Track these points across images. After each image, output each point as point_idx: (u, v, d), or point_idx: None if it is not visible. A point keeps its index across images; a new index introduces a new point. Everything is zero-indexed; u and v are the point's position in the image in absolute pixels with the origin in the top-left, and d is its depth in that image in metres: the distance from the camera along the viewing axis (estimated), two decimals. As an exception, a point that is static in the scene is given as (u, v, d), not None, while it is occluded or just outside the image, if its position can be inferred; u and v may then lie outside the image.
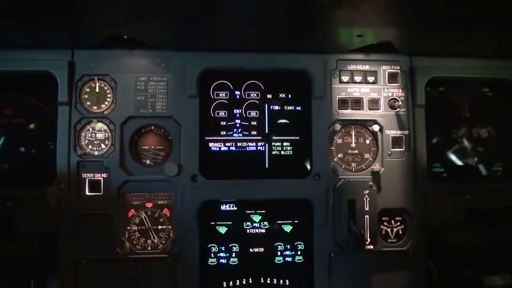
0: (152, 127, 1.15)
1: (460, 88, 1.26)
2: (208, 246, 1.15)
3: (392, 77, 1.19)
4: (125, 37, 1.08)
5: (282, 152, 1.18)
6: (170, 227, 1.13)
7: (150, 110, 1.13)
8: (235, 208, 1.16)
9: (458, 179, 1.24)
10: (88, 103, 1.13)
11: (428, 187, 1.19)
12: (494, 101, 1.27)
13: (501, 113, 1.27)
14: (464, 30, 1.03)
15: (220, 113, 1.18)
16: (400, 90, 1.20)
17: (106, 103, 1.13)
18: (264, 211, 1.17)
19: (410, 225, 1.19)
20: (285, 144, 1.18)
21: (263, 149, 1.18)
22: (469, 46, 1.16)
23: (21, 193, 1.09)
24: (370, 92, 1.19)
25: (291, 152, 1.18)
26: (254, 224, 1.16)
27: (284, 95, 1.20)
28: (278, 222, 1.17)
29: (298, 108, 1.19)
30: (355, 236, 1.09)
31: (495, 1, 0.86)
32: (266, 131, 1.18)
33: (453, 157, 1.26)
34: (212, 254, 1.15)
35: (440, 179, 1.23)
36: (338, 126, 1.16)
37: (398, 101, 1.18)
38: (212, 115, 1.17)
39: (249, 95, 1.19)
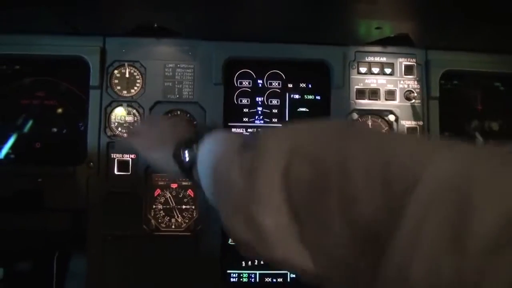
0: (178, 112, 1.21)
1: (472, 82, 1.31)
2: (229, 226, 1.20)
3: (408, 70, 1.24)
4: (155, 25, 1.14)
5: (301, 139, 1.23)
6: (193, 207, 1.19)
7: (177, 96, 1.19)
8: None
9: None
10: (119, 87, 1.19)
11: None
12: (505, 95, 1.32)
13: (512, 107, 1.31)
14: (480, 24, 1.08)
15: (243, 101, 1.23)
16: (416, 82, 1.24)
17: (135, 88, 1.19)
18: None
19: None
20: (304, 131, 1.23)
21: (283, 136, 1.23)
22: (483, 41, 1.20)
23: (52, 171, 1.15)
24: (386, 83, 1.24)
25: (310, 139, 1.24)
26: (273, 206, 1.21)
27: (304, 85, 1.25)
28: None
29: (318, 97, 1.25)
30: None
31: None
32: (287, 119, 1.24)
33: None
34: (232, 234, 1.20)
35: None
36: (355, 115, 1.22)
37: (413, 92, 1.23)
38: (235, 102, 1.23)
39: (271, 84, 1.24)
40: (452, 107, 1.29)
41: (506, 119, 1.31)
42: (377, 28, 1.10)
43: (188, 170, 0.66)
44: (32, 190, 1.14)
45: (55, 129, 1.20)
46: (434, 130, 1.24)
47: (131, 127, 1.00)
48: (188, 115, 1.21)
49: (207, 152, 0.61)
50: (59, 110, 1.21)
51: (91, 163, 1.15)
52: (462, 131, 1.31)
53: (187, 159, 0.65)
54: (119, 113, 1.18)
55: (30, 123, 1.20)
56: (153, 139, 0.82)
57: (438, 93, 1.24)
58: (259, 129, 0.56)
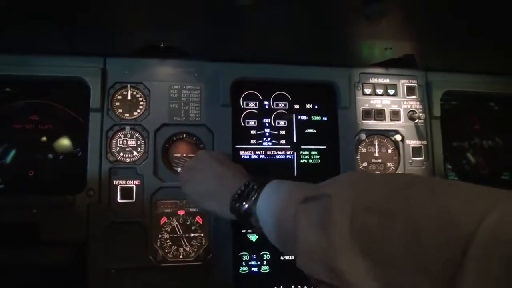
0: (184, 135, 1.16)
1: (470, 102, 1.35)
2: (240, 254, 1.15)
3: (410, 91, 1.27)
4: (161, 45, 1.10)
5: (310, 161, 1.22)
6: (202, 234, 1.12)
7: (184, 118, 1.14)
8: (267, 215, 1.17)
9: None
10: (120, 110, 1.13)
11: (445, 194, 1.24)
12: (500, 114, 1.37)
13: (507, 126, 1.36)
14: (481, 47, 1.13)
15: (250, 122, 1.20)
16: (418, 103, 1.27)
17: (138, 110, 1.13)
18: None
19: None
20: (313, 153, 1.22)
21: (292, 158, 1.21)
22: (480, 62, 1.25)
23: (48, 201, 1.06)
24: (391, 104, 1.25)
25: (318, 161, 1.22)
26: (286, 231, 1.17)
27: (310, 106, 1.24)
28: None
29: (324, 118, 1.24)
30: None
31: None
32: (295, 140, 1.22)
33: (465, 167, 1.34)
34: (243, 263, 1.15)
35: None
36: (363, 136, 1.22)
37: (416, 112, 1.25)
38: (242, 124, 1.20)
39: (277, 105, 1.22)
40: (451, 127, 1.32)
41: (502, 137, 1.36)
42: (387, 48, 1.11)
43: (246, 219, 0.74)
44: (26, 222, 1.04)
45: (50, 156, 1.12)
46: (438, 149, 1.26)
47: (180, 168, 1.01)
48: (194, 138, 1.16)
49: (268, 203, 0.69)
50: (55, 135, 1.13)
51: (91, 191, 1.07)
52: (461, 149, 1.34)
53: (246, 211, 0.73)
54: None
55: (13, 151, 1.11)
56: (206, 189, 0.87)
57: (440, 112, 1.27)
58: (321, 183, 0.67)
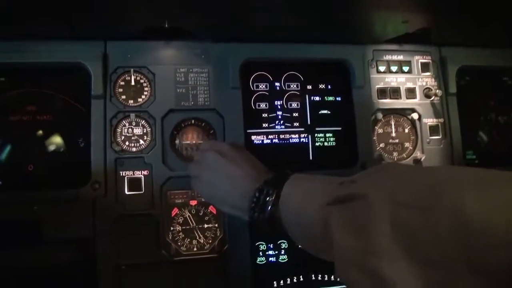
0: (193, 121, 1.09)
1: (484, 78, 1.31)
2: (256, 244, 1.09)
3: (425, 67, 1.22)
4: (166, 26, 1.03)
5: (326, 143, 1.16)
6: (216, 225, 1.06)
7: (192, 103, 1.07)
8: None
9: (489, 165, 1.26)
10: (124, 96, 1.05)
11: (464, 173, 1.20)
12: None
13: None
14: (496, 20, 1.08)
15: (261, 105, 1.14)
16: (433, 80, 1.22)
17: (143, 96, 1.06)
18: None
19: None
20: (328, 135, 1.16)
21: (306, 141, 1.15)
22: (494, 36, 1.21)
23: (49, 196, 0.99)
24: (406, 81, 1.20)
25: (334, 143, 1.17)
26: (304, 218, 1.12)
27: (323, 86, 1.18)
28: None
29: (338, 98, 1.18)
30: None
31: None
32: (309, 123, 1.16)
33: (482, 144, 1.30)
34: (260, 253, 1.09)
35: (473, 165, 1.26)
36: (380, 115, 1.17)
37: (432, 90, 1.20)
38: (253, 107, 1.14)
39: (289, 86, 1.16)
40: (466, 103, 1.27)
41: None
42: (404, 22, 1.06)
43: (270, 225, 0.68)
44: (27, 220, 0.97)
45: (51, 148, 1.04)
46: (455, 126, 1.21)
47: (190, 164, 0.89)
48: (204, 123, 1.09)
49: (290, 207, 0.64)
50: (54, 126, 1.05)
51: (97, 184, 1.00)
52: (477, 126, 1.30)
53: (269, 217, 0.67)
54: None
55: (10, 145, 1.03)
56: (217, 191, 0.81)
57: (455, 89, 1.22)
58: (347, 178, 0.58)
